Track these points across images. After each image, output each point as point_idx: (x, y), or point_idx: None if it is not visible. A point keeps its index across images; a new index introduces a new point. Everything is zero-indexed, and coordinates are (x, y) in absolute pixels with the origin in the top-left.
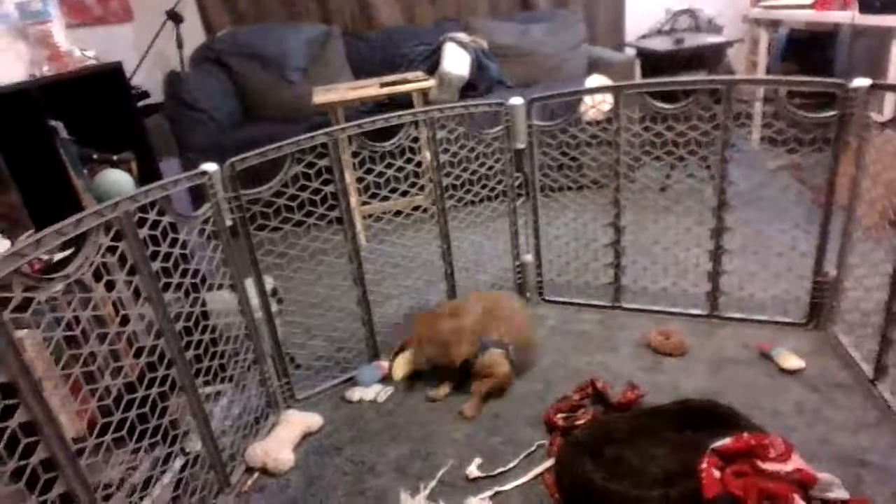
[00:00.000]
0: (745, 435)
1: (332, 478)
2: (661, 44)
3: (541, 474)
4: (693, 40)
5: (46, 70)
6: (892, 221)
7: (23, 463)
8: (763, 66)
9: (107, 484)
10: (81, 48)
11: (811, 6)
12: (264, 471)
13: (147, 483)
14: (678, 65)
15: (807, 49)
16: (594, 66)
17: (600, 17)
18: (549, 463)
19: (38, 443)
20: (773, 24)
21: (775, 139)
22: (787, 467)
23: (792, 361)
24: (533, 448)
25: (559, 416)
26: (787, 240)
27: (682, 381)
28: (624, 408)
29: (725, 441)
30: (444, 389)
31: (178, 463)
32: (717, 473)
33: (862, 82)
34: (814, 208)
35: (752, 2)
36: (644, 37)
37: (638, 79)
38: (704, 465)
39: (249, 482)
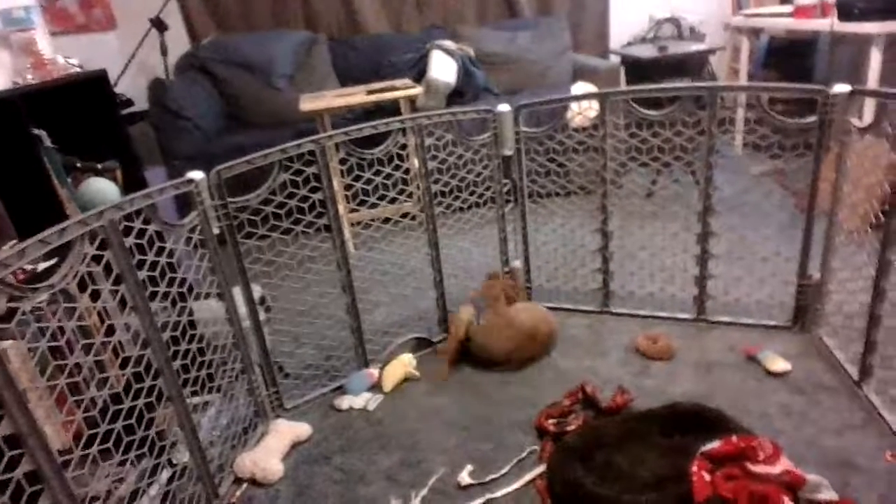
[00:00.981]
0: (734, 438)
1: (322, 487)
2: (645, 51)
3: (532, 480)
4: (676, 48)
5: (30, 78)
6: (872, 225)
7: (7, 476)
8: (745, 73)
9: (93, 497)
10: (65, 56)
11: (791, 14)
12: (253, 481)
13: (134, 495)
14: (662, 72)
15: (787, 56)
16: (579, 73)
17: (585, 25)
18: (541, 469)
19: (22, 455)
20: (755, 32)
21: (758, 145)
22: (776, 469)
23: (778, 364)
24: (524, 454)
25: (550, 421)
26: (771, 245)
27: (670, 384)
28: (614, 412)
29: (715, 444)
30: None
31: (165, 475)
32: (707, 476)
33: (842, 88)
34: (797, 213)
35: (733, 10)
36: (628, 44)
37: (623, 86)
38: (695, 469)
39: (238, 493)
